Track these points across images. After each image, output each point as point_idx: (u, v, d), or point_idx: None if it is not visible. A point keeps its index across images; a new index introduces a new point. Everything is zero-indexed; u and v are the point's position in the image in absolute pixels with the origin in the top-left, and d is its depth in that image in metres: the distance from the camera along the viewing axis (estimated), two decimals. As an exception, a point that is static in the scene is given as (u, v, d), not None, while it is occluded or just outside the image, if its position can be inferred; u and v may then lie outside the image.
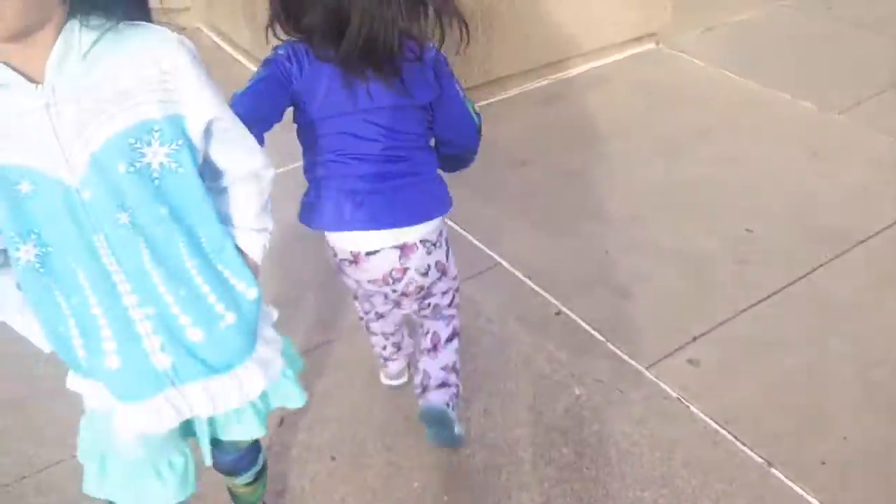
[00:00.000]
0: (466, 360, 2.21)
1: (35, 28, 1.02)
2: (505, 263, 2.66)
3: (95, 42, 1.06)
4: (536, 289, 2.55)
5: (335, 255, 1.74)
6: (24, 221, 1.11)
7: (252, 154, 1.30)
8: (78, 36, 1.06)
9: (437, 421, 1.90)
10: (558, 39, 3.62)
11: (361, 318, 2.08)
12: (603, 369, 2.26)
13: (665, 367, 2.26)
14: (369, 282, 1.75)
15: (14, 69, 1.04)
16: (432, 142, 1.75)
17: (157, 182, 1.13)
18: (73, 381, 1.29)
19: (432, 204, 1.71)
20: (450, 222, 2.81)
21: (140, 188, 1.12)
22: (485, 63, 3.42)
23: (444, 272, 1.80)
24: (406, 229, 1.67)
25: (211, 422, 1.39)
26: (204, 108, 1.16)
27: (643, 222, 2.82)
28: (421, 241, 1.70)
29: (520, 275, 2.61)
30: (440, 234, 1.76)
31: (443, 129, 1.73)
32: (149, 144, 1.11)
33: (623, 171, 3.11)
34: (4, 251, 1.16)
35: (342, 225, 1.65)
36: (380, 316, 2.02)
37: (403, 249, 1.69)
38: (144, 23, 1.11)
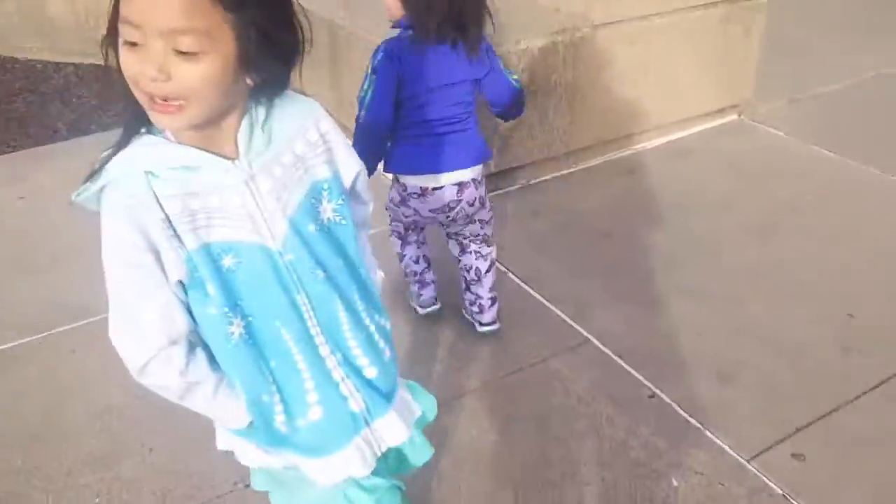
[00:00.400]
0: (557, 444, 2.15)
1: (226, 114, 1.11)
2: (594, 340, 2.59)
3: (268, 116, 1.16)
4: (628, 368, 2.48)
5: (405, 190, 2.32)
6: (232, 295, 1.16)
7: (369, 201, 1.41)
8: (255, 112, 1.15)
9: (494, 332, 2.58)
10: (640, 110, 3.59)
11: (400, 237, 2.56)
12: (702, 459, 2.16)
13: (768, 460, 2.15)
14: (430, 211, 2.34)
15: (205, 151, 1.11)
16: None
17: (332, 236, 1.23)
18: (253, 456, 1.30)
19: (480, 153, 2.35)
20: (537, 296, 2.77)
21: (326, 244, 1.21)
22: (567, 133, 3.41)
23: (483, 204, 2.40)
24: (463, 171, 2.29)
25: (396, 455, 1.44)
26: (352, 162, 1.28)
27: (737, 302, 2.74)
28: (472, 180, 2.31)
29: (610, 352, 2.54)
30: (482, 175, 2.38)
31: (494, 97, 2.35)
32: (321, 202, 1.22)
33: (713, 247, 3.04)
34: (188, 339, 1.17)
35: (418, 169, 2.27)
36: (421, 229, 2.56)
37: (460, 186, 2.29)
38: (290, 91, 1.20)
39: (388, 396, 1.33)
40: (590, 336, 2.61)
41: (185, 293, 1.13)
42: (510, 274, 2.88)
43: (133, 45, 1.00)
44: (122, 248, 1.08)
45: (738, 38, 3.75)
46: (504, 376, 2.45)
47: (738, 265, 2.93)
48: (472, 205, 2.35)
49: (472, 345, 2.57)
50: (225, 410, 1.24)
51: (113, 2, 1.03)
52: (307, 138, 1.20)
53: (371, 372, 1.30)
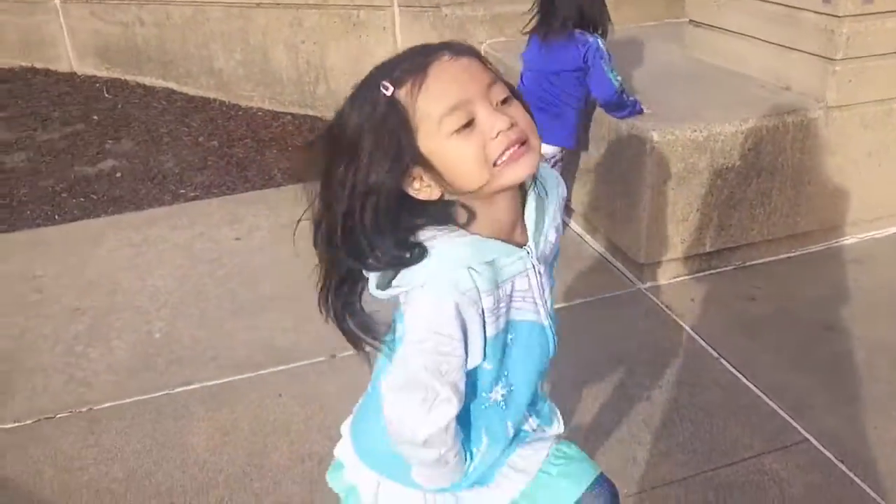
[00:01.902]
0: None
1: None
2: (813, 440, 2.46)
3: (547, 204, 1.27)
4: (851, 476, 2.33)
5: None
6: (503, 367, 1.26)
7: None
8: (536, 186, 1.24)
9: None
10: (870, 198, 3.41)
11: None
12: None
13: None
14: None
15: (504, 241, 1.20)
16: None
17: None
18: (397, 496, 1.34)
19: (557, 135, 3.19)
20: (751, 385, 2.67)
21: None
22: (790, 216, 3.29)
23: None
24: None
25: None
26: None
27: (980, 418, 2.51)
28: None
29: (831, 456, 2.40)
30: (557, 158, 3.26)
31: (594, 90, 3.17)
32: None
33: (950, 352, 2.81)
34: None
35: None
36: None
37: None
38: None
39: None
40: (808, 435, 2.48)
41: None
42: (722, 360, 2.81)
43: (467, 125, 1.08)
44: (439, 338, 1.13)
45: None
46: (713, 469, 2.38)
47: (982, 376, 2.69)
48: None
49: (674, 426, 2.52)
50: (455, 472, 1.28)
51: (401, 142, 1.08)
52: (555, 223, 1.29)
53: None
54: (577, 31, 3.14)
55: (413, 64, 1.11)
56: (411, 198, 1.13)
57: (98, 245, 3.78)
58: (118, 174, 4.75)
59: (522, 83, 3.32)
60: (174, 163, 4.90)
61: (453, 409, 1.18)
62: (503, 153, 1.09)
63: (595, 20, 3.18)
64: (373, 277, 1.19)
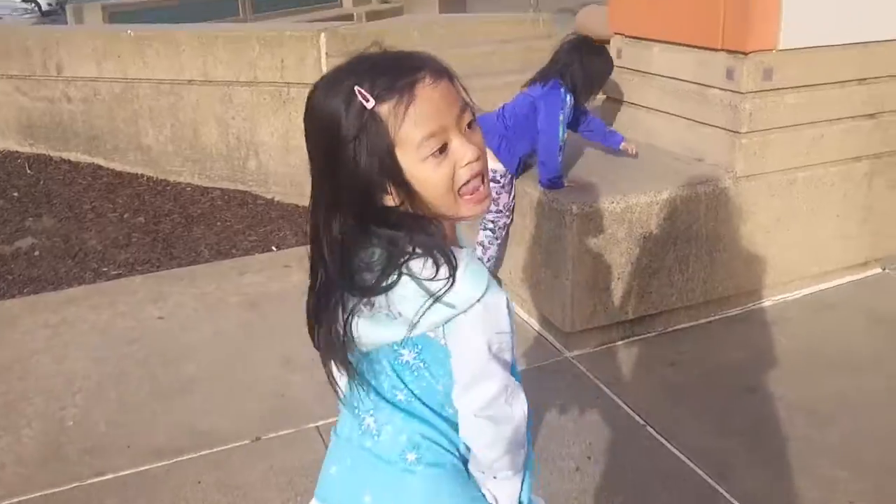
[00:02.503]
0: None
1: None
2: (737, 503, 2.50)
3: None
4: (775, 539, 2.36)
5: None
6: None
7: None
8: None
9: None
10: (782, 262, 3.55)
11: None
12: None
13: None
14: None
15: None
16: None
17: None
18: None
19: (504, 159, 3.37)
20: (676, 452, 2.70)
21: None
22: (708, 281, 3.40)
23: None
24: None
25: None
26: None
27: (892, 471, 2.58)
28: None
29: (755, 520, 2.43)
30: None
31: (541, 126, 3.31)
32: None
33: (863, 409, 2.90)
34: None
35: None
36: None
37: None
38: None
39: None
40: (733, 499, 2.51)
41: None
42: (648, 427, 2.84)
43: (441, 150, 1.14)
44: (502, 336, 1.19)
45: (882, 191, 3.70)
46: (643, 536, 2.39)
47: (891, 430, 2.78)
48: None
49: (603, 494, 2.52)
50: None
51: (379, 163, 1.12)
52: None
53: None
54: (559, 80, 3.29)
55: (395, 81, 1.13)
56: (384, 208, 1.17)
57: (12, 327, 3.64)
58: (37, 252, 4.62)
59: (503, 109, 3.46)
60: (97, 240, 4.80)
61: (522, 392, 1.27)
62: (468, 182, 1.17)
63: (577, 84, 3.31)
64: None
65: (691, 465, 2.65)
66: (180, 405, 3.02)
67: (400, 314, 1.17)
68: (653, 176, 3.34)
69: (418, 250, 1.14)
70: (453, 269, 1.13)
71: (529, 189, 3.34)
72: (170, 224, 5.09)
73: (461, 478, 1.30)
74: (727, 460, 2.67)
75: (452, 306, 1.14)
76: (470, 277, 1.15)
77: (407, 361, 1.23)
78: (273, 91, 5.13)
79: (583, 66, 3.30)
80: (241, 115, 5.29)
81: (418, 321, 1.15)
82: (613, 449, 2.73)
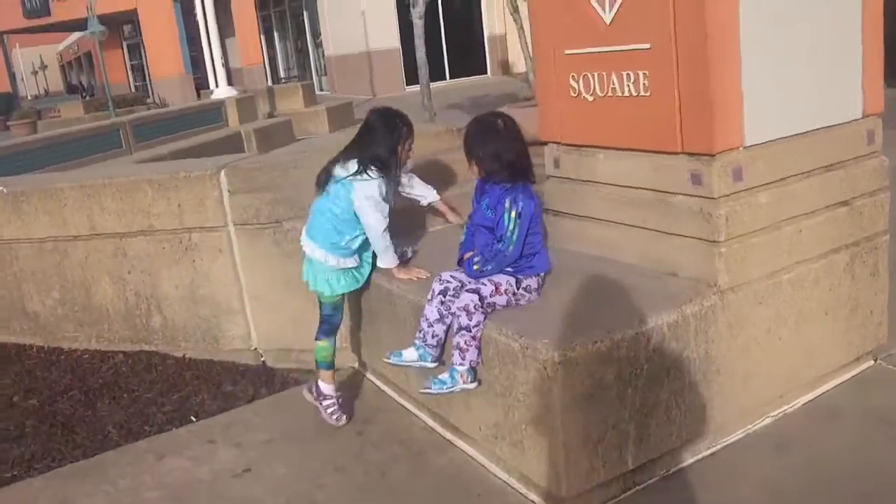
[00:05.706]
0: None
1: None
2: None
3: None
4: None
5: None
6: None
7: None
8: None
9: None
10: (777, 372, 3.18)
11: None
12: None
13: None
14: None
15: None
16: None
17: None
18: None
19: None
20: None
21: None
22: (707, 410, 2.98)
23: None
24: None
25: None
26: None
27: None
28: None
29: None
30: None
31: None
32: None
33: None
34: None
35: None
36: None
37: None
38: None
39: None
40: None
41: None
42: None
43: None
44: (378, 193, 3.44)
45: (865, 280, 3.42)
46: None
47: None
48: None
49: None
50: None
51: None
52: None
53: None
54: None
55: None
56: None
57: None
58: None
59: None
60: (-20, 437, 4.02)
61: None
62: None
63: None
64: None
65: None
66: None
67: None
68: (629, 301, 2.93)
69: None
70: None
71: (495, 334, 2.87)
72: (68, 403, 4.36)
73: None
74: None
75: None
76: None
77: None
78: (172, 238, 4.54)
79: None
80: (138, 269, 4.66)
81: None
82: None
